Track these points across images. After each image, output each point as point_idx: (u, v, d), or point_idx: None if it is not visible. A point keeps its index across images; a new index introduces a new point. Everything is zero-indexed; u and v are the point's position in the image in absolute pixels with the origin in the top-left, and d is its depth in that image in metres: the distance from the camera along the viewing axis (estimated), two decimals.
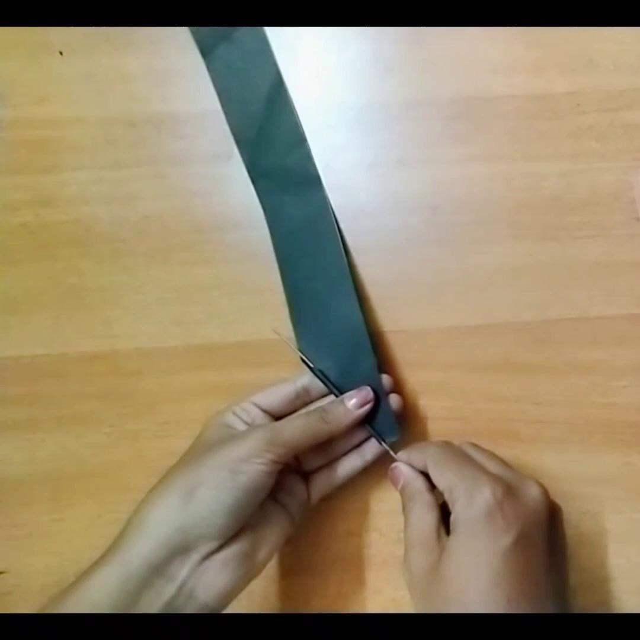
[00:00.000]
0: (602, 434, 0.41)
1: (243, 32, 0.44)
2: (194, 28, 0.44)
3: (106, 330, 0.42)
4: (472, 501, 0.32)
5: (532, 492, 0.33)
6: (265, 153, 0.43)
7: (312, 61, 0.44)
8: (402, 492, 0.36)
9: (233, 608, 0.38)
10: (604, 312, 0.42)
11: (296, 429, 0.36)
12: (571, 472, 0.40)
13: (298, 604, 0.39)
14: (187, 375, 0.42)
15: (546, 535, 0.32)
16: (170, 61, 0.44)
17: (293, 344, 0.40)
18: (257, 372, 0.41)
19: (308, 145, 0.43)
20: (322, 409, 0.37)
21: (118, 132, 0.44)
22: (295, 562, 0.39)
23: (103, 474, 0.41)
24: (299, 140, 0.43)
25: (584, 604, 0.39)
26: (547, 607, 0.32)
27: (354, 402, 0.38)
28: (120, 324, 0.42)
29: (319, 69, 0.44)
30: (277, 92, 0.43)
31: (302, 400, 0.39)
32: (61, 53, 0.44)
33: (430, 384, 0.41)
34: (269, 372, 0.41)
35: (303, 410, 0.38)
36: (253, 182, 0.43)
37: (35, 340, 0.42)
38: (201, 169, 0.44)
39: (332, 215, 0.42)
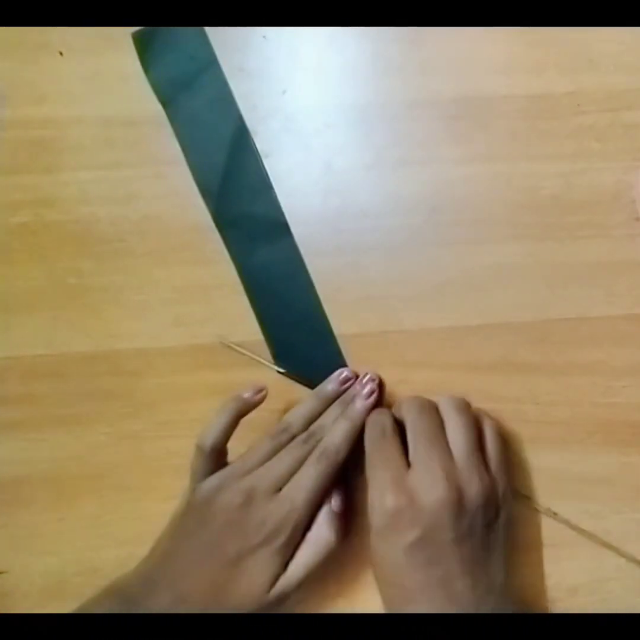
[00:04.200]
0: (602, 434, 0.41)
1: (203, 80, 0.44)
2: (152, 79, 0.44)
3: (106, 330, 0.42)
4: (380, 503, 0.35)
5: (472, 490, 0.35)
6: (231, 202, 0.43)
7: (312, 61, 0.44)
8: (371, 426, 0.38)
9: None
10: (604, 312, 0.42)
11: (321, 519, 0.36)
12: (571, 472, 0.40)
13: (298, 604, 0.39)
14: (187, 375, 0.42)
15: (457, 533, 0.34)
16: None
17: (244, 350, 0.41)
18: (257, 373, 0.42)
19: (274, 191, 0.43)
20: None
21: (118, 132, 0.44)
22: None
23: (103, 474, 0.41)
24: (265, 187, 0.43)
25: (584, 604, 0.39)
26: (473, 597, 0.33)
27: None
28: (120, 324, 0.42)
29: (319, 69, 0.44)
30: (240, 139, 0.43)
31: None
32: (61, 53, 0.44)
33: (430, 384, 0.41)
34: (269, 372, 0.41)
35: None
36: (220, 232, 0.42)
37: (35, 340, 0.42)
38: None
39: (302, 261, 0.42)
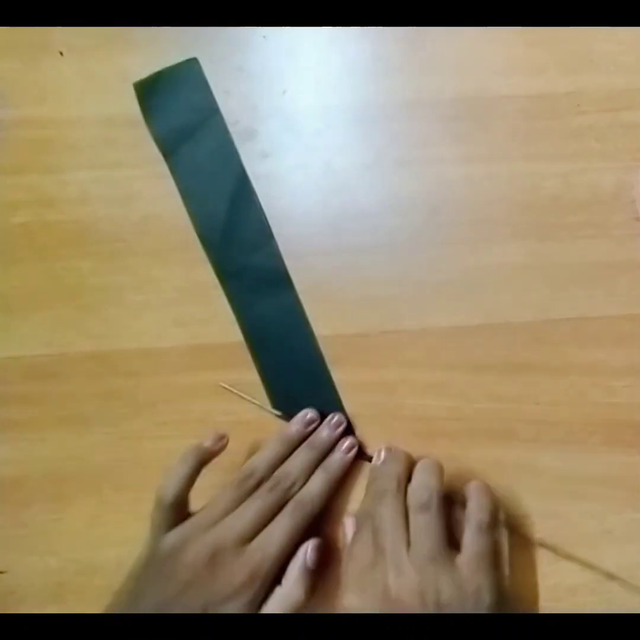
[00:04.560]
0: (602, 434, 0.41)
1: (205, 130, 0.43)
2: (154, 129, 0.43)
3: (106, 330, 0.42)
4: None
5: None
6: (233, 253, 0.42)
7: (312, 61, 0.44)
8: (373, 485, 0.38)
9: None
10: (604, 312, 0.42)
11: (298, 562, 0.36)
12: (571, 472, 0.40)
13: None
14: (187, 375, 0.42)
15: None
16: (170, 61, 0.44)
17: (245, 395, 0.41)
18: (256, 373, 0.42)
19: (275, 242, 0.42)
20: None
21: (118, 132, 0.44)
22: None
23: (103, 474, 0.41)
24: (266, 238, 0.42)
25: (583, 604, 0.39)
26: None
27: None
28: (120, 324, 0.42)
29: (319, 69, 0.44)
30: (242, 189, 0.43)
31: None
32: (61, 53, 0.44)
33: (431, 384, 0.41)
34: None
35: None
36: (221, 282, 0.42)
37: (35, 340, 0.42)
38: None
39: (304, 313, 0.42)
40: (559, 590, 0.39)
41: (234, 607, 0.34)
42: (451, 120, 0.43)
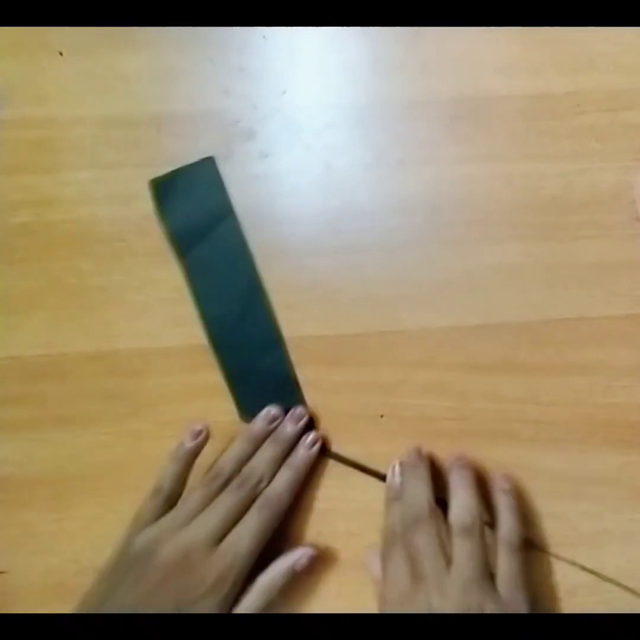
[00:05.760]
0: (602, 434, 0.41)
1: (220, 231, 0.43)
2: (169, 228, 0.42)
3: (106, 330, 0.42)
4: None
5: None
6: (242, 355, 0.42)
7: (312, 61, 0.44)
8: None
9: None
10: (604, 312, 0.42)
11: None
12: (571, 472, 0.40)
13: (298, 604, 0.39)
14: (187, 375, 0.42)
15: None
16: (170, 61, 0.44)
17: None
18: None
19: (285, 346, 0.42)
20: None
21: (118, 132, 0.44)
22: None
23: (103, 474, 0.41)
24: (275, 342, 0.42)
25: (584, 604, 0.39)
26: None
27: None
28: (120, 324, 0.42)
29: (319, 69, 0.44)
30: (253, 293, 0.42)
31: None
32: (61, 53, 0.44)
33: (430, 384, 0.41)
34: None
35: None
36: (229, 385, 0.42)
37: (35, 340, 0.42)
38: None
39: (315, 424, 0.41)
40: (559, 590, 0.39)
41: (206, 605, 0.34)
42: (451, 120, 0.43)
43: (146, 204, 0.43)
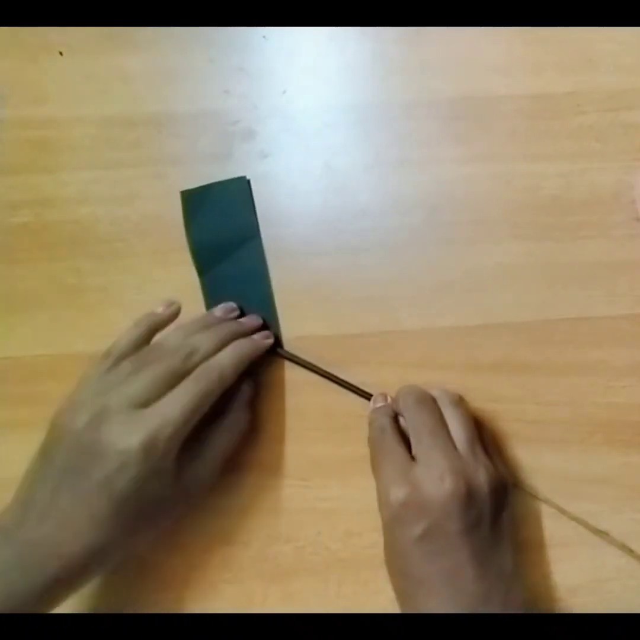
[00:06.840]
0: (602, 434, 0.41)
1: (243, 252, 0.42)
2: (194, 242, 0.42)
3: (106, 330, 0.42)
4: (387, 497, 0.35)
5: (478, 481, 0.35)
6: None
7: (312, 61, 0.44)
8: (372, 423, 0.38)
9: (234, 608, 0.38)
10: (605, 312, 0.42)
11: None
12: (571, 472, 0.40)
13: (298, 604, 0.39)
14: None
15: (465, 525, 0.34)
16: (170, 61, 0.44)
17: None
18: (258, 369, 0.42)
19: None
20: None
21: (118, 132, 0.44)
22: (295, 562, 0.39)
23: None
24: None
25: (583, 603, 0.39)
26: (482, 587, 0.33)
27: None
28: (120, 324, 0.42)
29: (319, 69, 0.44)
30: (268, 314, 0.42)
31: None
32: (61, 53, 0.44)
33: (430, 384, 0.41)
34: (267, 371, 0.41)
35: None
36: None
37: (35, 340, 0.42)
38: (201, 169, 0.43)
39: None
40: (559, 590, 0.39)
41: (136, 473, 0.32)
42: (451, 120, 0.43)
43: (146, 204, 0.43)
